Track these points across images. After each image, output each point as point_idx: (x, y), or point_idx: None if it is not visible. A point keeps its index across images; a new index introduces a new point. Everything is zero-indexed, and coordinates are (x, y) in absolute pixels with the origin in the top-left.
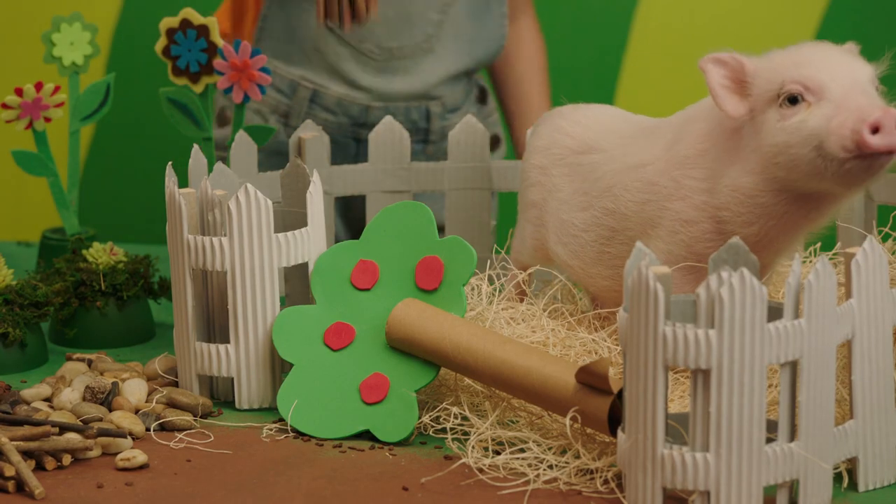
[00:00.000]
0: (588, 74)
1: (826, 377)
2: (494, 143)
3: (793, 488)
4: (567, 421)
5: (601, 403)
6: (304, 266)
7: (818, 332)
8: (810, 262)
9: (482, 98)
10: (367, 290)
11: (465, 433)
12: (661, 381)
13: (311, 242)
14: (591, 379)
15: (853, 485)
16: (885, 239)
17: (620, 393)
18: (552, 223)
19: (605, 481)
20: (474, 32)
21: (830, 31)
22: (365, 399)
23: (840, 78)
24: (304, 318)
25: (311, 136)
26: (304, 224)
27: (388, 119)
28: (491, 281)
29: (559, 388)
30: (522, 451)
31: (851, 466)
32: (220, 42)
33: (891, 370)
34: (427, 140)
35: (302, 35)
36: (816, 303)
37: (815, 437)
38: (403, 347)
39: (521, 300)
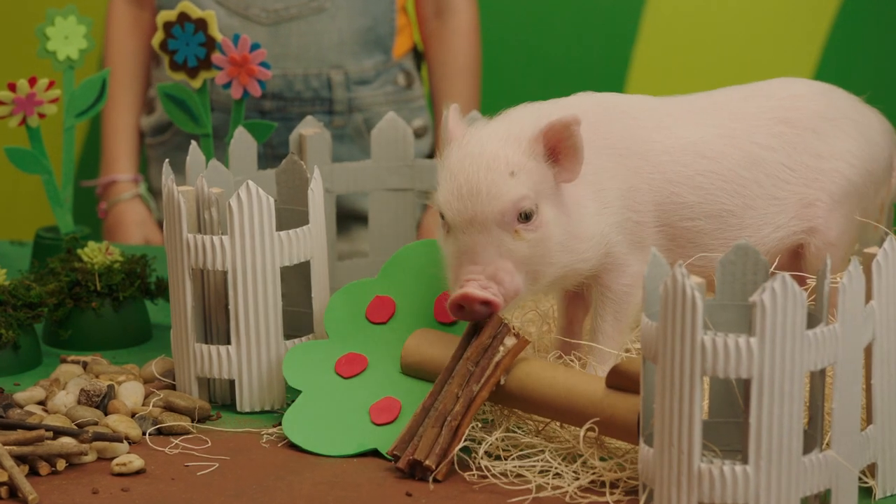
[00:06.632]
0: (598, 65)
1: (856, 382)
2: (420, 132)
3: (819, 497)
4: (582, 431)
5: (633, 405)
6: (302, 265)
7: (851, 336)
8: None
9: (408, 83)
10: (383, 323)
11: (473, 438)
12: (698, 392)
13: (314, 240)
14: (621, 381)
15: (866, 491)
16: None
17: None
18: None
19: (614, 488)
20: None
21: (847, 17)
22: (374, 420)
23: None
24: (316, 350)
25: (313, 132)
26: (300, 223)
27: (391, 115)
28: None
29: (587, 394)
30: (530, 458)
31: (870, 472)
32: (218, 36)
33: None
34: (332, 111)
35: None
36: (850, 307)
37: (846, 443)
38: (419, 372)
39: None
